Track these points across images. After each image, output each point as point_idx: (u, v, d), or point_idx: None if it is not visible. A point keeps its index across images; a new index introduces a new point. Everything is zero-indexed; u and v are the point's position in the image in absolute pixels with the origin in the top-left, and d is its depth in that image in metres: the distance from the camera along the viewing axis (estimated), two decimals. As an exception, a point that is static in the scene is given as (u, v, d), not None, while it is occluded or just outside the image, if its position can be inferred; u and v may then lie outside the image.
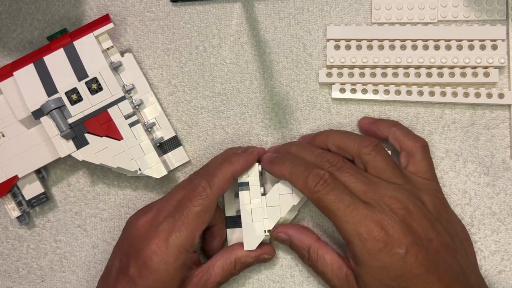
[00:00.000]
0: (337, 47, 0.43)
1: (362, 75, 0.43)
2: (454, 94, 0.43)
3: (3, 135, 0.43)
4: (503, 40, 0.42)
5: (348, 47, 0.43)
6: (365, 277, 0.36)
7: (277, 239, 0.42)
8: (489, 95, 0.43)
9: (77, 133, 0.42)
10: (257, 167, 0.42)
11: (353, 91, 0.43)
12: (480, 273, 0.39)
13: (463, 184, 0.43)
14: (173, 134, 0.44)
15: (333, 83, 0.44)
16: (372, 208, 0.36)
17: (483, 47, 0.43)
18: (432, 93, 0.43)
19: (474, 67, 0.43)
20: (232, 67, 0.45)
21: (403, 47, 0.43)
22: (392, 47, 0.43)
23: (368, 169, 0.39)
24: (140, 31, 0.45)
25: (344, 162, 0.39)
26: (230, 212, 0.44)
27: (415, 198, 0.38)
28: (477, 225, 0.43)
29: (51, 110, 0.41)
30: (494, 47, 0.42)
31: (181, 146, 0.44)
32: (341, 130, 0.44)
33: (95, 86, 0.42)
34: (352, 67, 0.43)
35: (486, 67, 0.43)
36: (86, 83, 0.41)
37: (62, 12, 0.46)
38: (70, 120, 0.41)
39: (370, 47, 0.43)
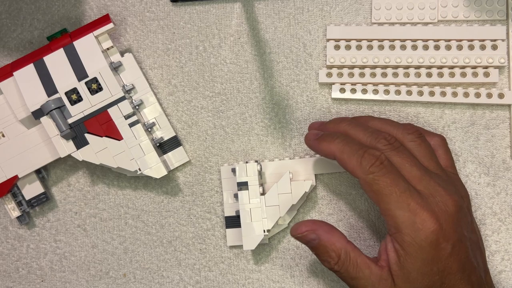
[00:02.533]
0: (337, 47, 0.43)
1: (362, 75, 0.43)
2: (454, 94, 0.43)
3: (3, 135, 0.43)
4: (503, 40, 0.42)
5: (348, 47, 0.43)
6: (409, 268, 0.35)
7: (301, 239, 0.38)
8: (489, 95, 0.43)
9: (77, 133, 0.42)
10: (256, 167, 0.42)
11: (353, 91, 0.43)
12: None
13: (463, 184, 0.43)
14: (173, 134, 0.44)
15: (333, 83, 0.44)
16: (426, 198, 0.35)
17: (483, 47, 0.43)
18: (432, 93, 0.43)
19: (474, 67, 0.43)
20: (232, 67, 0.45)
21: (403, 47, 0.43)
22: (392, 47, 0.43)
23: None
24: (140, 31, 0.45)
25: (401, 145, 0.37)
26: (229, 212, 0.44)
27: (459, 193, 0.37)
28: (477, 225, 0.43)
29: (51, 110, 0.41)
30: (494, 47, 0.42)
31: (181, 146, 0.44)
32: (380, 117, 0.42)
33: (95, 86, 0.42)
34: (352, 67, 0.43)
35: (486, 67, 0.43)
36: (86, 83, 0.41)
37: (62, 12, 0.46)
38: (70, 120, 0.41)
39: (370, 47, 0.43)
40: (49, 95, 0.41)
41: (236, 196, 0.43)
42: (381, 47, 0.43)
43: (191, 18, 0.45)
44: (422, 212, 0.34)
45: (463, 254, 0.35)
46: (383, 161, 0.35)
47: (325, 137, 0.38)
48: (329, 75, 0.44)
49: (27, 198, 0.44)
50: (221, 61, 0.45)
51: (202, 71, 0.45)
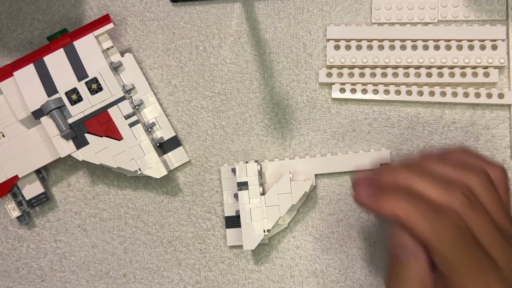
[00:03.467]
0: (337, 47, 0.43)
1: (362, 75, 0.43)
2: (454, 94, 0.43)
3: (3, 135, 0.43)
4: (503, 40, 0.42)
5: (348, 47, 0.43)
6: None
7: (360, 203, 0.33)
8: (489, 95, 0.43)
9: (77, 133, 0.42)
10: (256, 166, 0.42)
11: (353, 91, 0.43)
12: None
13: (463, 184, 0.43)
14: (173, 134, 0.44)
15: (333, 83, 0.44)
16: (507, 271, 0.29)
17: (483, 47, 0.43)
18: (432, 93, 0.43)
19: (474, 67, 0.43)
20: (232, 67, 0.45)
21: (403, 47, 0.43)
22: (392, 47, 0.43)
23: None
24: (140, 31, 0.45)
25: (475, 196, 0.30)
26: (229, 213, 0.44)
27: None
28: None
29: (51, 110, 0.41)
30: (494, 47, 0.42)
31: (181, 146, 0.44)
32: (441, 151, 0.34)
33: (95, 86, 0.42)
34: (352, 67, 0.43)
35: (486, 67, 0.43)
36: (86, 83, 0.41)
37: (62, 12, 0.46)
38: (70, 120, 0.41)
39: (370, 47, 0.43)
40: (49, 95, 0.41)
41: (236, 196, 0.43)
42: (381, 47, 0.43)
43: (191, 18, 0.45)
44: None
45: None
46: (462, 229, 0.29)
47: (385, 195, 0.30)
48: (329, 75, 0.44)
49: (27, 198, 0.44)
50: (221, 61, 0.45)
51: (202, 71, 0.45)
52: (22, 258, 0.46)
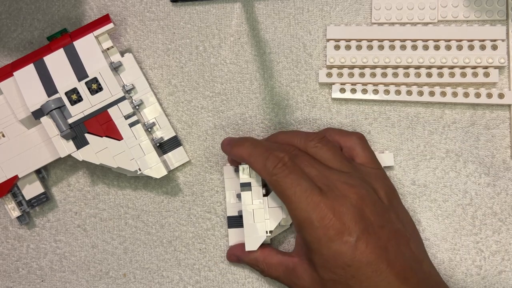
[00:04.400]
0: (337, 47, 0.43)
1: (362, 75, 0.43)
2: (454, 94, 0.43)
3: (3, 135, 0.43)
4: (503, 40, 0.42)
5: (348, 47, 0.43)
6: (316, 262, 0.36)
7: (231, 262, 0.44)
8: (489, 95, 0.43)
9: (77, 133, 0.42)
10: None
11: (353, 91, 0.43)
12: (431, 261, 0.38)
13: (464, 184, 0.43)
14: (173, 134, 0.44)
15: (333, 83, 0.44)
16: (325, 194, 0.36)
17: (483, 47, 0.43)
18: (432, 93, 0.43)
19: (474, 67, 0.43)
20: (232, 67, 0.45)
21: (403, 47, 0.43)
22: (392, 47, 0.43)
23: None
24: (140, 31, 0.45)
25: (300, 151, 0.39)
26: (231, 212, 0.44)
27: (367, 184, 0.37)
28: (478, 225, 0.43)
29: (51, 110, 0.41)
30: (494, 47, 0.42)
31: (181, 146, 0.44)
32: (289, 130, 0.44)
33: (95, 86, 0.42)
34: (352, 67, 0.43)
35: (486, 67, 0.43)
36: (86, 83, 0.41)
37: (62, 12, 0.46)
38: (70, 120, 0.41)
39: (370, 47, 0.43)
40: (49, 95, 0.41)
41: (238, 196, 0.43)
42: (381, 47, 0.43)
43: (191, 18, 0.45)
44: (319, 208, 0.35)
45: (374, 244, 0.35)
46: (285, 162, 0.37)
47: (236, 141, 0.40)
48: (329, 75, 0.44)
49: (27, 198, 0.44)
50: (221, 61, 0.45)
51: (202, 71, 0.45)
52: (22, 258, 0.46)
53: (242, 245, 0.42)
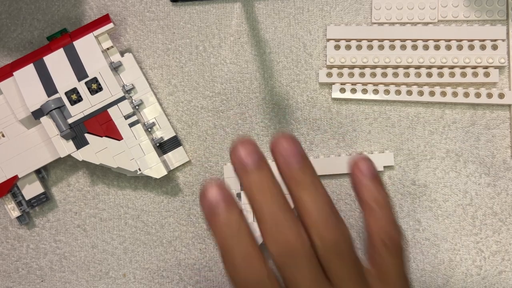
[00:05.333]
0: (337, 47, 0.43)
1: (362, 75, 0.43)
2: (455, 94, 0.43)
3: (3, 135, 0.43)
4: (503, 40, 0.42)
5: (348, 47, 0.43)
6: None
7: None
8: (490, 95, 0.43)
9: (77, 133, 0.42)
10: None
11: (353, 91, 0.43)
12: None
13: (464, 185, 0.43)
14: (173, 134, 0.44)
15: (333, 83, 0.44)
16: None
17: (483, 47, 0.43)
18: (432, 93, 0.43)
19: (474, 67, 0.43)
20: (232, 67, 0.45)
21: (403, 47, 0.43)
22: (392, 47, 0.43)
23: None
24: (140, 31, 0.45)
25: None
26: (230, 212, 0.44)
27: None
28: (478, 225, 0.43)
29: (51, 110, 0.41)
30: (494, 47, 0.42)
31: (181, 146, 0.44)
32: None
33: (95, 86, 0.42)
34: (352, 67, 0.43)
35: (486, 67, 0.43)
36: (86, 83, 0.41)
37: (62, 12, 0.46)
38: (70, 120, 0.41)
39: (370, 47, 0.43)
40: (49, 95, 0.41)
41: (238, 195, 0.43)
42: (381, 47, 0.43)
43: (191, 18, 0.45)
44: None
45: None
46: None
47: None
48: (329, 75, 0.44)
49: (27, 198, 0.44)
50: (221, 61, 0.45)
51: (202, 71, 0.45)
52: (22, 258, 0.46)
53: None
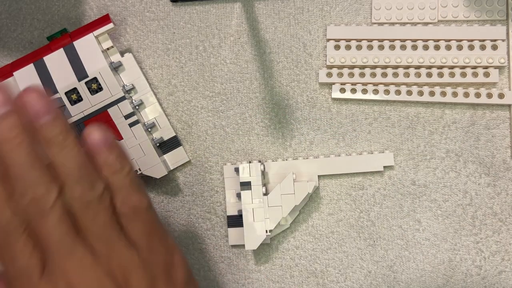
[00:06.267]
0: (337, 47, 0.43)
1: (362, 75, 0.43)
2: (454, 94, 0.43)
3: None
4: (503, 40, 0.42)
5: (348, 47, 0.43)
6: None
7: None
8: (489, 95, 0.43)
9: (77, 133, 0.41)
10: (259, 167, 0.42)
11: (353, 91, 0.43)
12: None
13: (464, 185, 0.43)
14: (173, 134, 0.44)
15: (333, 83, 0.44)
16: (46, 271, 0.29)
17: (483, 47, 0.43)
18: (432, 93, 0.43)
19: (474, 67, 0.43)
20: (232, 67, 0.45)
21: (403, 47, 0.43)
22: (392, 47, 0.43)
23: None
24: (140, 31, 0.45)
25: None
26: (231, 212, 0.44)
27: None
28: (478, 225, 0.43)
29: None
30: (494, 47, 0.42)
31: (181, 146, 0.44)
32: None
33: (95, 86, 0.42)
34: (352, 67, 0.43)
35: (486, 67, 0.43)
36: (86, 83, 0.41)
37: (62, 12, 0.46)
38: (70, 120, 0.41)
39: (370, 47, 0.43)
40: (49, 95, 0.41)
41: (238, 195, 0.43)
42: (381, 47, 0.43)
43: (191, 18, 0.45)
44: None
45: None
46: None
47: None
48: (329, 75, 0.44)
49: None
50: (221, 61, 0.45)
51: (202, 71, 0.45)
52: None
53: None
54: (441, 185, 0.43)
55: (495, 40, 0.42)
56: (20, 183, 0.28)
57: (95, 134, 0.30)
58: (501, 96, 0.42)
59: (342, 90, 0.44)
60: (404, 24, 0.44)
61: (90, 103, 0.41)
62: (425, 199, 0.43)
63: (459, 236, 0.43)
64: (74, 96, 0.41)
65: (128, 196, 0.31)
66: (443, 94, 0.43)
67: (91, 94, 0.41)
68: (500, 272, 0.43)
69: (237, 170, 0.43)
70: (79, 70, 0.41)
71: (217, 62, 0.45)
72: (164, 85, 0.45)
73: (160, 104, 0.45)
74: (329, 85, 0.44)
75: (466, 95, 0.43)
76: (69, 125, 0.30)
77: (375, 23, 0.44)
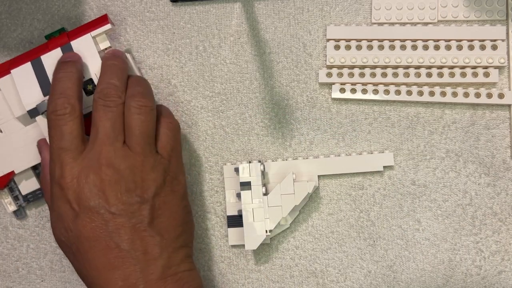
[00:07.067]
0: (337, 47, 0.43)
1: (362, 75, 0.43)
2: (454, 94, 0.43)
3: (0, 131, 0.43)
4: (503, 40, 0.42)
5: (348, 47, 0.43)
6: (51, 220, 0.39)
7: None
8: (489, 95, 0.43)
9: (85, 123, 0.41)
10: (259, 167, 0.42)
11: (353, 91, 0.43)
12: (188, 262, 0.39)
13: (464, 185, 0.43)
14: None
15: (333, 83, 0.44)
16: (84, 155, 0.37)
17: (483, 47, 0.43)
18: (432, 93, 0.43)
19: (474, 67, 0.43)
20: (232, 67, 0.45)
21: (403, 47, 0.43)
22: (392, 47, 0.43)
23: None
24: (140, 31, 0.45)
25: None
26: (231, 212, 0.44)
27: (135, 172, 0.38)
28: (478, 225, 0.43)
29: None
30: (494, 47, 0.42)
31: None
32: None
33: (90, 87, 0.41)
34: (352, 67, 0.43)
35: (486, 67, 0.43)
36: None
37: (62, 12, 0.46)
38: None
39: (370, 47, 0.43)
40: (45, 94, 0.41)
41: (238, 195, 0.43)
42: (381, 47, 0.43)
43: (191, 18, 0.45)
44: (70, 167, 0.37)
45: (95, 227, 0.36)
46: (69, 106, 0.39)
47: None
48: (329, 75, 0.44)
49: (23, 193, 0.44)
50: (221, 61, 0.45)
51: (202, 71, 0.45)
52: (22, 258, 0.46)
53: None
54: (441, 185, 0.43)
55: (495, 40, 0.42)
56: (106, 82, 0.39)
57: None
58: (501, 96, 0.42)
59: (342, 90, 0.44)
60: (404, 24, 0.44)
61: (85, 104, 0.41)
62: (425, 199, 0.43)
63: (459, 236, 0.43)
64: None
65: (170, 116, 0.41)
66: (443, 94, 0.43)
67: (87, 95, 0.41)
68: (500, 272, 0.43)
69: (237, 170, 0.43)
70: None
71: (217, 62, 0.45)
72: (164, 85, 0.45)
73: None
74: (329, 85, 0.44)
75: (466, 95, 0.43)
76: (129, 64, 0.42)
77: (375, 23, 0.44)
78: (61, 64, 0.40)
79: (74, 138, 0.37)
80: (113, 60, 0.40)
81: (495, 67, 0.43)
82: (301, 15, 0.44)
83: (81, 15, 0.46)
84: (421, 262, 0.43)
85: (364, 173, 0.44)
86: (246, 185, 0.42)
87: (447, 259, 0.43)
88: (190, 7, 0.45)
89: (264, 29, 0.45)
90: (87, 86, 0.41)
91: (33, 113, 0.41)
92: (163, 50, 0.45)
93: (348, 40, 0.43)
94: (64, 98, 0.38)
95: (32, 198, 0.44)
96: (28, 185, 0.44)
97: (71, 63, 0.40)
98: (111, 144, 0.37)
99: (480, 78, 0.42)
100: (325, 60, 0.44)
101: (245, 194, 0.42)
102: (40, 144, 0.42)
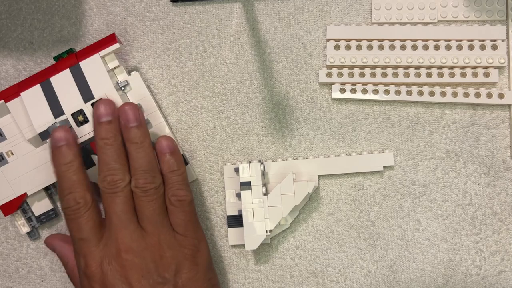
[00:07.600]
0: (337, 47, 0.43)
1: (362, 75, 0.43)
2: (454, 94, 0.43)
3: (12, 153, 0.43)
4: (503, 40, 0.42)
5: (348, 47, 0.43)
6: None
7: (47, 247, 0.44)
8: (489, 95, 0.43)
9: (83, 154, 0.41)
10: (259, 166, 0.42)
11: (353, 91, 0.43)
12: None
13: (464, 185, 0.43)
14: (181, 152, 0.43)
15: (333, 83, 0.44)
16: (103, 245, 0.39)
17: (483, 47, 0.43)
18: (432, 93, 0.43)
19: (474, 67, 0.43)
20: (232, 67, 0.45)
21: (403, 47, 0.43)
22: (392, 47, 0.43)
23: None
24: (140, 31, 0.45)
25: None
26: (231, 212, 0.44)
27: (153, 258, 0.39)
28: (478, 225, 0.43)
29: None
30: (494, 47, 0.42)
31: (188, 164, 0.44)
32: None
33: (81, 118, 0.41)
34: (352, 67, 0.43)
35: (486, 67, 0.43)
36: (92, 104, 0.41)
37: (62, 12, 0.46)
38: (78, 141, 0.41)
39: (370, 47, 0.43)
40: (55, 116, 0.41)
41: (238, 195, 0.43)
42: (381, 47, 0.43)
43: (191, 18, 0.45)
44: (92, 256, 0.39)
45: None
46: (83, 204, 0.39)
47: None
48: (329, 75, 0.44)
49: (36, 214, 0.44)
50: (221, 61, 0.45)
51: (202, 71, 0.45)
52: (22, 258, 0.46)
53: (63, 237, 0.43)
54: (441, 185, 0.43)
55: (495, 40, 0.42)
56: (106, 168, 0.38)
57: (164, 140, 0.40)
58: (501, 96, 0.42)
59: (342, 90, 0.44)
60: (404, 24, 0.44)
61: (78, 135, 0.41)
62: (425, 199, 0.43)
63: (459, 236, 0.43)
64: (80, 117, 0.41)
65: (178, 191, 0.40)
66: (443, 94, 0.43)
67: (78, 126, 0.41)
68: (500, 272, 0.43)
69: (237, 170, 0.43)
70: (85, 91, 0.41)
71: (217, 62, 0.45)
72: (164, 85, 0.45)
73: (167, 122, 0.44)
74: (329, 85, 0.44)
75: (466, 95, 0.43)
76: (148, 132, 0.40)
77: (375, 23, 0.44)
78: (55, 152, 0.39)
79: (91, 228, 0.38)
80: (104, 139, 0.39)
81: (495, 67, 0.43)
82: (301, 15, 0.44)
83: (81, 15, 0.46)
84: (421, 262, 0.43)
85: (364, 173, 0.44)
86: (246, 185, 0.42)
87: (447, 259, 0.43)
88: (190, 7, 0.45)
89: (264, 29, 0.45)
90: (77, 117, 0.41)
91: (44, 135, 0.41)
92: (163, 50, 0.45)
93: (348, 40, 0.43)
94: (73, 194, 0.38)
95: (45, 219, 0.44)
96: (41, 206, 0.44)
97: (65, 147, 0.39)
98: (125, 228, 0.38)
99: (480, 78, 0.42)
100: (325, 60, 0.44)
101: (245, 194, 0.42)
102: (48, 241, 0.44)
